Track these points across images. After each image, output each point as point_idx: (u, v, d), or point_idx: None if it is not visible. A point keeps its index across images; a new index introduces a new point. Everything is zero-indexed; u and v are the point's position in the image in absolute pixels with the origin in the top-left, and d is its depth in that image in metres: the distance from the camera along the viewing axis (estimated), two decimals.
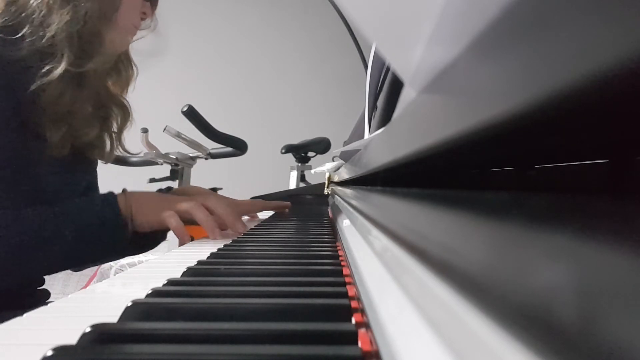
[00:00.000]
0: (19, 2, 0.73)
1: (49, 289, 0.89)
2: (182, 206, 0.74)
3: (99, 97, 0.82)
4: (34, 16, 0.72)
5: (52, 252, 0.68)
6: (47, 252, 0.68)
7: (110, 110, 0.87)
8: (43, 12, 0.72)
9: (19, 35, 0.71)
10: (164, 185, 1.04)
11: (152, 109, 2.58)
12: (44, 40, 0.71)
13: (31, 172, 0.73)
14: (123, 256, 0.83)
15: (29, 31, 0.71)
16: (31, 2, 0.73)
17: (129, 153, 0.98)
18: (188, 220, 0.76)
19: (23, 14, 0.72)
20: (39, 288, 0.87)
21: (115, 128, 0.90)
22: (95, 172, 0.96)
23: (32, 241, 0.67)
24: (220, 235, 0.73)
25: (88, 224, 0.71)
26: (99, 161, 0.94)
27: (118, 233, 0.73)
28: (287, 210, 1.16)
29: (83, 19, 0.73)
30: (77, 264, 0.77)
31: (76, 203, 0.73)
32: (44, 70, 0.71)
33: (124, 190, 0.79)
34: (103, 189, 1.00)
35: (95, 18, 0.74)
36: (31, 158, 0.73)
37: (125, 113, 0.90)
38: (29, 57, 0.71)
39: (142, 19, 0.85)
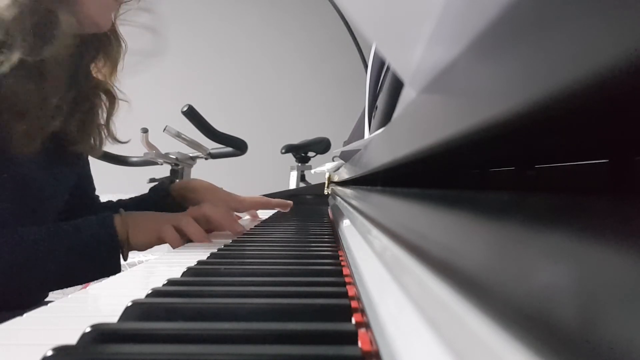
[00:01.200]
0: None
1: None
2: (176, 224, 0.74)
3: (80, 88, 0.78)
4: None
5: (46, 272, 0.67)
6: (41, 271, 0.67)
7: (93, 100, 0.83)
8: None
9: None
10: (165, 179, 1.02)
11: (152, 109, 2.58)
12: None
13: (13, 169, 0.72)
14: (117, 273, 0.82)
15: None
16: None
17: (120, 142, 0.93)
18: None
19: None
20: None
21: (102, 119, 0.85)
22: (88, 166, 0.93)
23: (27, 260, 0.65)
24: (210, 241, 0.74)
25: (83, 244, 0.69)
26: (90, 155, 0.91)
27: (113, 254, 0.72)
28: (289, 208, 1.15)
29: (31, 2, 0.67)
30: (71, 284, 0.75)
31: (72, 223, 0.72)
32: None
33: (120, 212, 0.77)
34: (103, 189, 1.00)
35: None
36: (13, 155, 0.70)
37: (111, 100, 0.86)
38: None
39: None
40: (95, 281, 0.57)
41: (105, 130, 0.87)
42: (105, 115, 0.86)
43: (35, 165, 0.74)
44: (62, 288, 0.75)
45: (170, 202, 0.95)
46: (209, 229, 0.79)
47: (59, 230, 0.69)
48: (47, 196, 0.76)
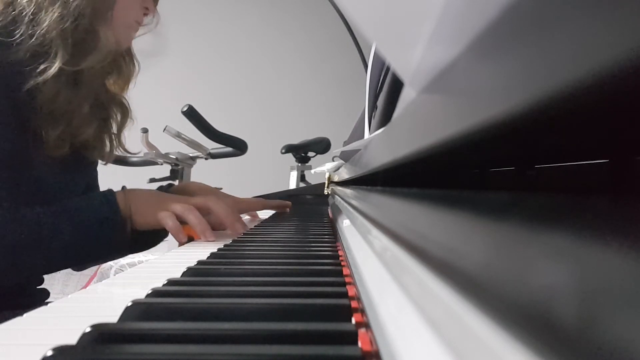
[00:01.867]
0: (15, 2, 0.73)
1: (48, 289, 0.89)
2: (177, 208, 0.74)
3: (98, 97, 0.82)
4: (24, 15, 0.71)
5: (50, 250, 0.68)
6: (46, 251, 0.68)
7: (109, 110, 0.87)
8: (32, 10, 0.71)
9: (13, 36, 0.70)
10: (164, 184, 1.03)
11: (152, 109, 2.58)
12: (34, 39, 0.71)
13: (31, 173, 0.73)
14: (124, 254, 0.83)
15: (20, 31, 0.71)
16: (22, 1, 0.72)
17: (129, 153, 0.97)
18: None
19: (15, 14, 0.72)
20: (38, 287, 0.87)
21: (114, 129, 0.89)
22: (96, 172, 0.96)
23: (30, 240, 0.66)
24: (212, 237, 0.73)
25: (86, 222, 0.70)
26: (99, 162, 0.94)
27: (117, 231, 0.73)
28: (288, 209, 1.16)
29: (74, 15, 0.72)
30: (76, 263, 0.76)
31: (74, 201, 0.73)
32: (38, 69, 0.70)
33: (123, 188, 0.78)
34: (103, 189, 1.00)
35: (88, 14, 0.73)
36: (31, 159, 0.73)
37: (124, 113, 0.90)
38: (24, 57, 0.70)
39: (145, 15, 0.84)
40: (96, 281, 0.57)
41: (117, 140, 0.90)
42: (117, 126, 0.90)
43: (51, 170, 0.75)
44: (70, 266, 0.75)
45: None
46: (210, 220, 0.79)
47: (62, 209, 0.70)
48: (60, 200, 0.77)
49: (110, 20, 0.77)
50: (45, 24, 0.71)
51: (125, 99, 0.91)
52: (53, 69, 0.70)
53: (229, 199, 0.97)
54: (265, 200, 1.09)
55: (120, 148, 0.92)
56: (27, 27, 0.71)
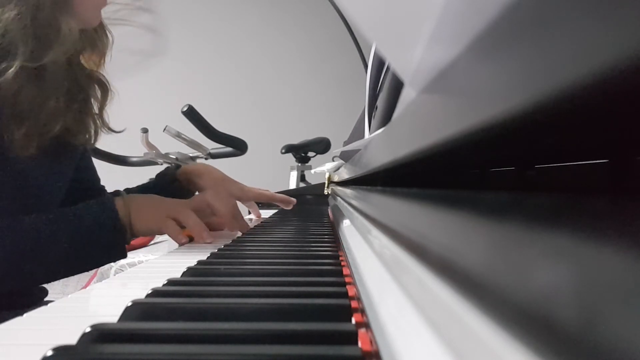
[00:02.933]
0: None
1: (48, 289, 0.88)
2: (177, 215, 0.74)
3: (75, 78, 0.78)
4: None
5: (48, 259, 0.67)
6: (44, 259, 0.67)
7: (88, 90, 0.83)
8: None
9: None
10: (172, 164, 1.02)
11: (152, 109, 2.58)
12: None
13: (11, 167, 0.71)
14: (123, 258, 0.83)
15: None
16: None
17: (114, 131, 0.93)
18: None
19: None
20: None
21: (96, 108, 0.85)
22: (88, 157, 0.93)
23: (28, 249, 0.65)
24: (209, 238, 0.73)
25: (85, 229, 0.69)
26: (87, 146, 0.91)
27: (116, 238, 0.72)
28: (292, 206, 1.14)
29: (32, 10, 0.69)
30: (76, 271, 0.75)
31: (73, 209, 0.72)
32: None
33: (123, 192, 0.78)
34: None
35: (48, 6, 0.70)
36: (11, 154, 0.71)
37: (104, 89, 0.86)
38: None
39: None
40: (96, 281, 0.57)
41: (100, 120, 0.86)
42: (98, 105, 0.86)
43: (33, 162, 0.74)
44: (68, 275, 0.75)
45: (177, 187, 0.95)
46: (212, 221, 0.79)
47: (60, 216, 0.69)
48: (45, 193, 0.76)
49: (72, 7, 0.73)
50: (1, 24, 0.67)
51: (103, 75, 0.87)
52: (13, 68, 0.67)
53: (236, 186, 0.97)
54: (272, 193, 1.07)
55: (105, 127, 0.88)
56: None
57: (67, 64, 0.76)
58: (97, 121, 0.86)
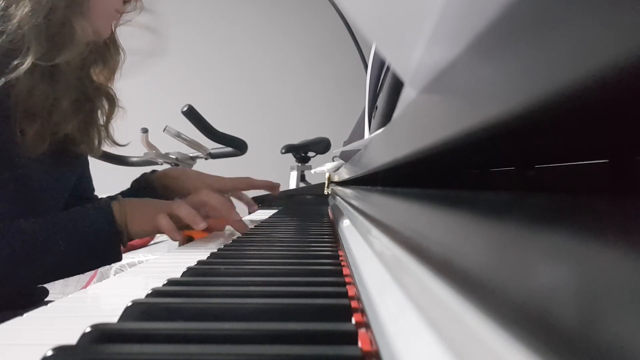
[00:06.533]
0: None
1: (48, 289, 0.88)
2: (170, 210, 0.75)
3: (83, 89, 0.80)
4: None
5: (45, 262, 0.67)
6: (40, 262, 0.67)
7: (95, 102, 0.84)
8: (2, 5, 0.69)
9: None
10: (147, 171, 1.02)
11: (152, 109, 2.58)
12: (4, 36, 0.68)
13: (16, 171, 0.72)
14: (118, 261, 0.83)
15: None
16: None
17: (118, 145, 0.95)
18: (186, 225, 0.76)
19: None
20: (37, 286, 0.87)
21: (102, 121, 0.87)
22: (87, 166, 0.93)
23: (25, 252, 0.66)
24: (203, 223, 0.74)
25: (82, 233, 0.70)
26: (89, 155, 0.92)
27: (113, 242, 0.73)
28: (276, 191, 1.11)
29: (46, 8, 0.70)
30: (71, 274, 0.75)
31: (69, 212, 0.72)
32: (10, 66, 0.68)
33: (119, 196, 0.78)
34: (103, 189, 1.00)
35: (62, 7, 0.71)
36: (15, 156, 0.71)
37: (111, 103, 0.88)
38: None
39: (125, 2, 0.81)
40: (96, 281, 0.57)
41: (105, 132, 0.88)
42: (104, 117, 0.87)
43: (37, 166, 0.74)
44: (64, 277, 0.75)
45: (151, 193, 0.94)
46: (207, 216, 0.79)
47: (57, 220, 0.70)
48: (48, 197, 0.76)
49: (87, 12, 0.74)
50: (16, 20, 0.68)
51: (112, 89, 0.88)
52: (25, 64, 0.68)
53: (214, 179, 0.97)
54: (252, 179, 1.04)
55: (109, 140, 0.90)
56: None
57: (80, 68, 0.77)
58: (102, 133, 0.87)
